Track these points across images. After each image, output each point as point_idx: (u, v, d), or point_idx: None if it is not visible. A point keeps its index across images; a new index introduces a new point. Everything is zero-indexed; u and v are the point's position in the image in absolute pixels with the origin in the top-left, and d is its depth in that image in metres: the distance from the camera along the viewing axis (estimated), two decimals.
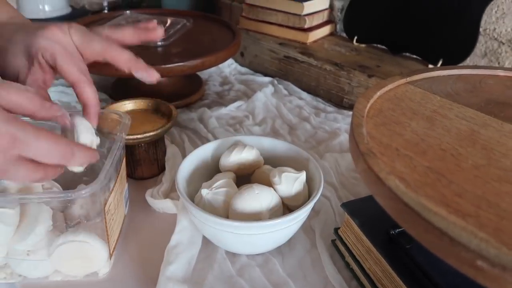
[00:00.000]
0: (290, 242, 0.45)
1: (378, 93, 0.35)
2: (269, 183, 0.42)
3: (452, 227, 0.21)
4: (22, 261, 0.39)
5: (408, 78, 0.39)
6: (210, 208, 0.40)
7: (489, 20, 0.70)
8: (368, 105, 0.33)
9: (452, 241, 0.21)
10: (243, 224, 0.36)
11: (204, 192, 0.40)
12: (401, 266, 0.35)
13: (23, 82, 0.37)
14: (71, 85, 0.37)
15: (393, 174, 0.25)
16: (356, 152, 0.28)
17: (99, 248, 0.39)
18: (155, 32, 0.43)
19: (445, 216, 0.22)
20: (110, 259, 0.41)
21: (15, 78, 0.38)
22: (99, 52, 0.38)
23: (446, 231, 0.21)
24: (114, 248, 0.42)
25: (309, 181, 0.44)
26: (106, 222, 0.39)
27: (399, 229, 0.37)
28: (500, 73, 0.40)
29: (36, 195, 0.38)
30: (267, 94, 0.76)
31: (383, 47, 0.80)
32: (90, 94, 0.37)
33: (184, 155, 0.57)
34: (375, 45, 0.82)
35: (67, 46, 0.37)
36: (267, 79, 0.83)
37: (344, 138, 0.64)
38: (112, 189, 0.40)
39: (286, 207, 0.43)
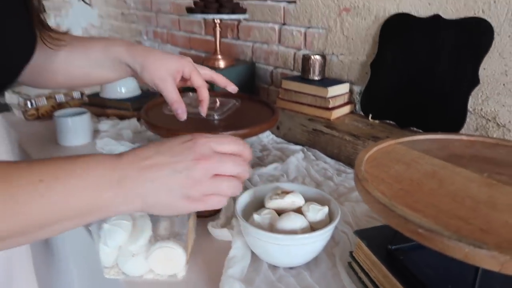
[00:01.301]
0: (316, 261, 0.60)
1: (375, 148, 0.53)
2: (301, 212, 0.58)
3: (409, 216, 0.38)
4: (128, 261, 0.56)
5: (397, 140, 0.56)
6: (259, 228, 0.57)
7: (476, 102, 0.88)
8: (367, 155, 0.51)
9: (407, 222, 0.37)
10: (283, 237, 0.53)
11: (256, 217, 0.57)
12: (397, 272, 0.50)
13: (165, 90, 0.61)
14: (196, 88, 0.65)
15: (378, 191, 0.42)
16: (356, 179, 0.45)
17: (181, 254, 0.56)
18: (233, 87, 0.71)
19: (406, 211, 0.39)
20: (186, 264, 0.58)
21: (154, 86, 0.62)
22: (208, 74, 0.67)
23: (406, 218, 0.37)
24: (189, 257, 0.59)
25: (330, 215, 0.61)
26: (187, 237, 0.57)
27: (395, 246, 0.52)
28: (464, 137, 0.58)
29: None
30: (298, 158, 0.95)
31: (393, 122, 0.99)
32: (206, 94, 0.66)
33: (234, 199, 0.74)
34: (386, 121, 1.01)
35: (194, 66, 0.64)
36: (298, 147, 1.03)
37: None
38: (192, 215, 0.58)
39: (313, 229, 0.59)
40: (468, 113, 0.88)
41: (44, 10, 0.60)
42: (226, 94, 1.10)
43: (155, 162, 0.39)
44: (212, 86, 1.20)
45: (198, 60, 1.69)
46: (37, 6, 0.52)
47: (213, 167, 0.40)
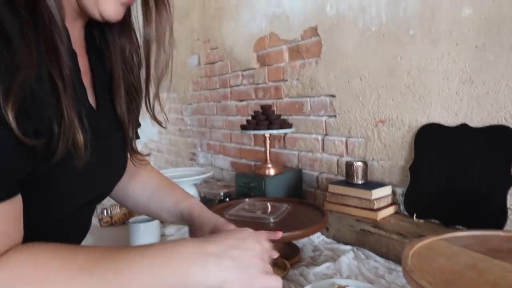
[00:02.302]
0: None
1: (419, 244, 0.61)
2: None
3: None
4: None
5: (439, 237, 0.64)
6: None
7: None
8: (412, 251, 0.59)
9: None
10: None
11: None
12: None
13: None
14: None
15: (424, 280, 0.50)
16: (404, 271, 0.53)
17: None
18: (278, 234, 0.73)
19: None
20: None
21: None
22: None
23: None
24: None
25: None
26: None
27: None
28: (501, 233, 0.65)
29: None
30: (349, 257, 1.01)
31: (437, 221, 1.05)
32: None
33: None
34: (431, 220, 1.07)
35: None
36: (348, 246, 1.09)
37: None
38: None
39: None
40: (510, 211, 0.93)
41: (138, 137, 0.78)
42: (278, 199, 1.22)
43: (228, 244, 0.51)
44: (264, 194, 1.34)
45: (248, 168, 1.86)
46: (131, 135, 0.70)
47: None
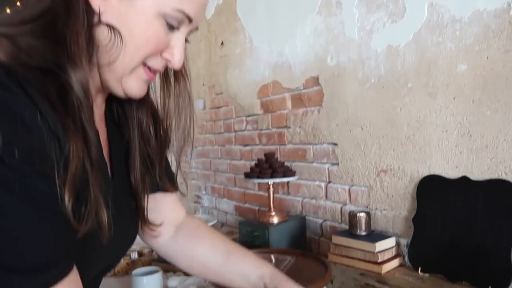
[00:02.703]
0: None
1: None
2: None
3: None
4: None
5: None
6: None
7: None
8: None
9: None
10: None
11: None
12: None
13: None
14: None
15: None
16: None
17: None
18: None
19: None
20: None
21: None
22: None
23: None
24: None
25: None
26: None
27: None
28: None
29: None
30: None
31: (443, 276, 1.03)
32: None
33: None
34: (436, 274, 1.05)
35: None
36: None
37: None
38: None
39: None
40: None
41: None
42: (281, 251, 1.21)
43: None
44: (267, 244, 1.33)
45: (252, 212, 1.86)
46: (144, 205, 0.70)
47: None
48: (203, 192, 2.35)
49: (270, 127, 1.75)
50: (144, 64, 0.57)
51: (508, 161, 0.95)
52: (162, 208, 0.77)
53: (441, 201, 1.06)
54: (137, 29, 0.53)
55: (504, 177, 0.95)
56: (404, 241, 1.19)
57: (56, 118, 0.45)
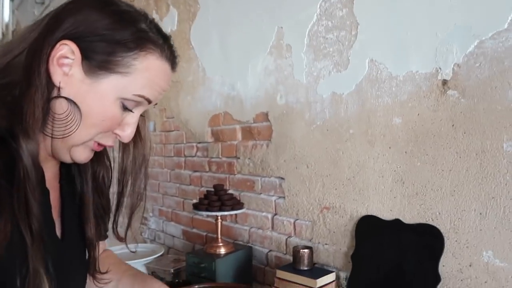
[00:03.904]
0: None
1: None
2: None
3: None
4: None
5: None
6: None
7: None
8: None
9: None
10: None
11: None
12: None
13: None
14: None
15: None
16: None
17: None
18: None
19: None
20: None
21: None
22: None
23: None
24: None
25: None
26: None
27: None
28: None
29: None
30: None
31: None
32: None
33: None
34: None
35: None
36: None
37: None
38: None
39: None
40: None
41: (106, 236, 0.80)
42: (227, 286, 1.25)
43: None
44: (214, 275, 1.36)
45: (199, 238, 1.87)
46: (97, 255, 0.71)
47: None
48: (150, 214, 2.32)
49: (220, 156, 1.79)
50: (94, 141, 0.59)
51: (434, 208, 1.06)
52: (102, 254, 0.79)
53: (376, 240, 1.16)
54: (95, 109, 0.55)
55: (431, 222, 1.06)
56: (343, 275, 1.27)
57: None
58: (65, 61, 0.54)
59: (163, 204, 2.22)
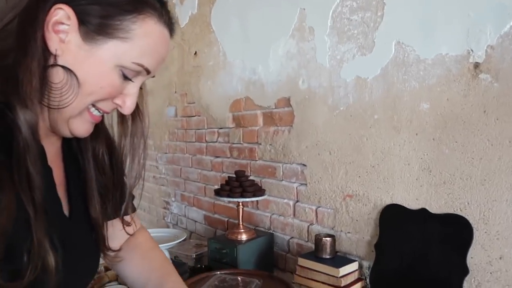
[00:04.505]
0: None
1: None
2: None
3: None
4: None
5: None
6: None
7: (470, 286, 1.00)
8: None
9: None
10: None
11: None
12: None
13: None
14: None
15: None
16: None
17: None
18: None
19: None
20: None
21: None
22: None
23: None
24: None
25: None
26: None
27: None
28: None
29: None
30: None
31: None
32: None
33: None
34: None
35: None
36: None
37: None
38: None
39: None
40: None
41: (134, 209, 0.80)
42: (248, 273, 1.25)
43: None
44: (235, 261, 1.36)
45: (221, 223, 1.88)
46: (105, 234, 0.71)
47: None
48: (173, 199, 2.35)
49: (241, 142, 1.77)
50: (93, 105, 0.57)
51: (463, 198, 1.01)
52: (121, 234, 0.78)
53: (401, 230, 1.12)
54: (93, 76, 0.54)
55: (459, 212, 1.02)
56: (366, 264, 1.25)
57: None
58: (61, 27, 0.52)
59: (185, 189, 2.23)
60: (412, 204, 1.12)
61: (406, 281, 1.08)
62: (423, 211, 1.08)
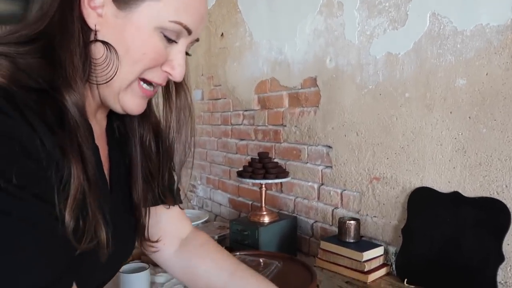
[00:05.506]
0: None
1: None
2: None
3: None
4: None
5: None
6: None
7: (506, 275, 0.93)
8: None
9: None
10: None
11: None
12: None
13: None
14: None
15: None
16: None
17: None
18: None
19: None
20: None
21: None
22: None
23: None
24: None
25: None
26: None
27: None
28: None
29: None
30: None
31: None
32: None
33: None
34: (421, 287, 1.06)
35: None
36: None
37: None
38: None
39: None
40: (500, 285, 0.92)
41: (180, 201, 0.78)
42: (269, 255, 1.22)
43: None
44: (257, 243, 1.33)
45: (245, 206, 1.87)
46: (145, 222, 0.69)
47: None
48: (198, 182, 2.35)
49: (266, 124, 1.74)
50: (143, 79, 0.56)
51: (500, 181, 0.94)
52: (164, 222, 0.76)
53: (431, 214, 1.06)
54: (134, 43, 0.53)
55: (496, 196, 0.95)
56: (392, 249, 1.19)
57: (54, 140, 0.44)
58: (97, 2, 0.51)
59: (210, 173, 2.23)
60: (443, 187, 1.05)
61: (435, 268, 1.02)
62: (456, 194, 1.02)
